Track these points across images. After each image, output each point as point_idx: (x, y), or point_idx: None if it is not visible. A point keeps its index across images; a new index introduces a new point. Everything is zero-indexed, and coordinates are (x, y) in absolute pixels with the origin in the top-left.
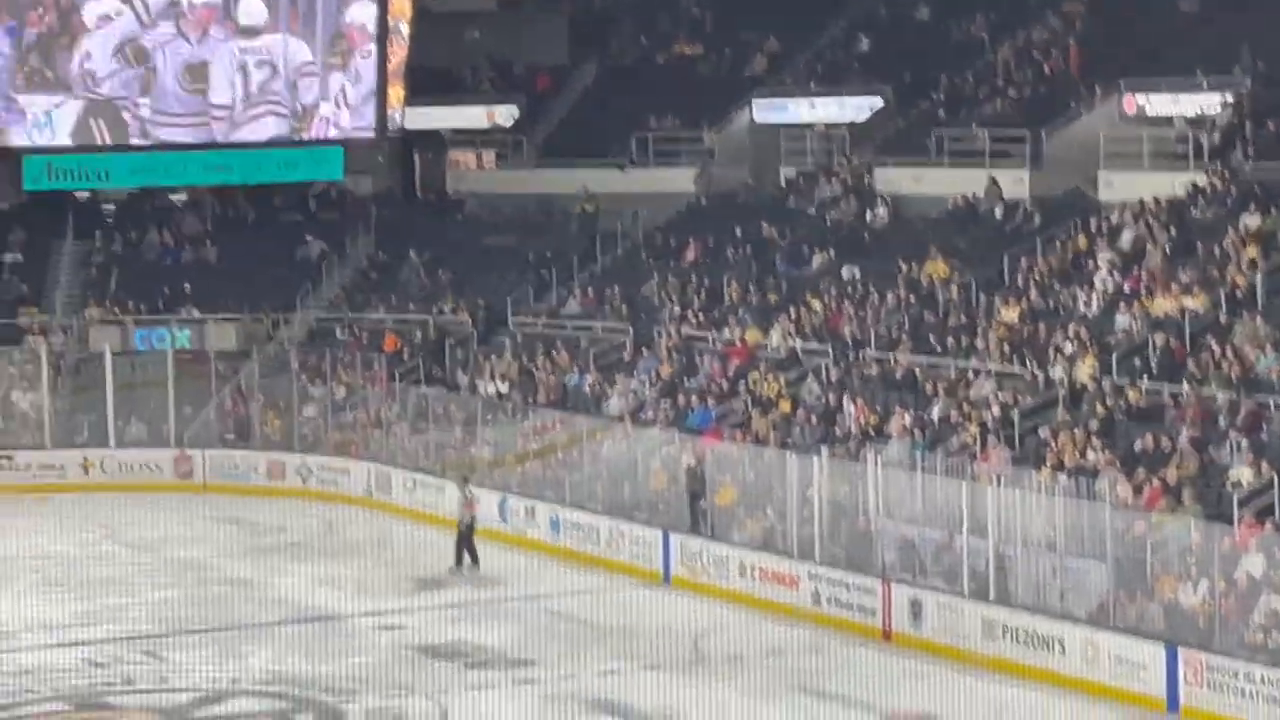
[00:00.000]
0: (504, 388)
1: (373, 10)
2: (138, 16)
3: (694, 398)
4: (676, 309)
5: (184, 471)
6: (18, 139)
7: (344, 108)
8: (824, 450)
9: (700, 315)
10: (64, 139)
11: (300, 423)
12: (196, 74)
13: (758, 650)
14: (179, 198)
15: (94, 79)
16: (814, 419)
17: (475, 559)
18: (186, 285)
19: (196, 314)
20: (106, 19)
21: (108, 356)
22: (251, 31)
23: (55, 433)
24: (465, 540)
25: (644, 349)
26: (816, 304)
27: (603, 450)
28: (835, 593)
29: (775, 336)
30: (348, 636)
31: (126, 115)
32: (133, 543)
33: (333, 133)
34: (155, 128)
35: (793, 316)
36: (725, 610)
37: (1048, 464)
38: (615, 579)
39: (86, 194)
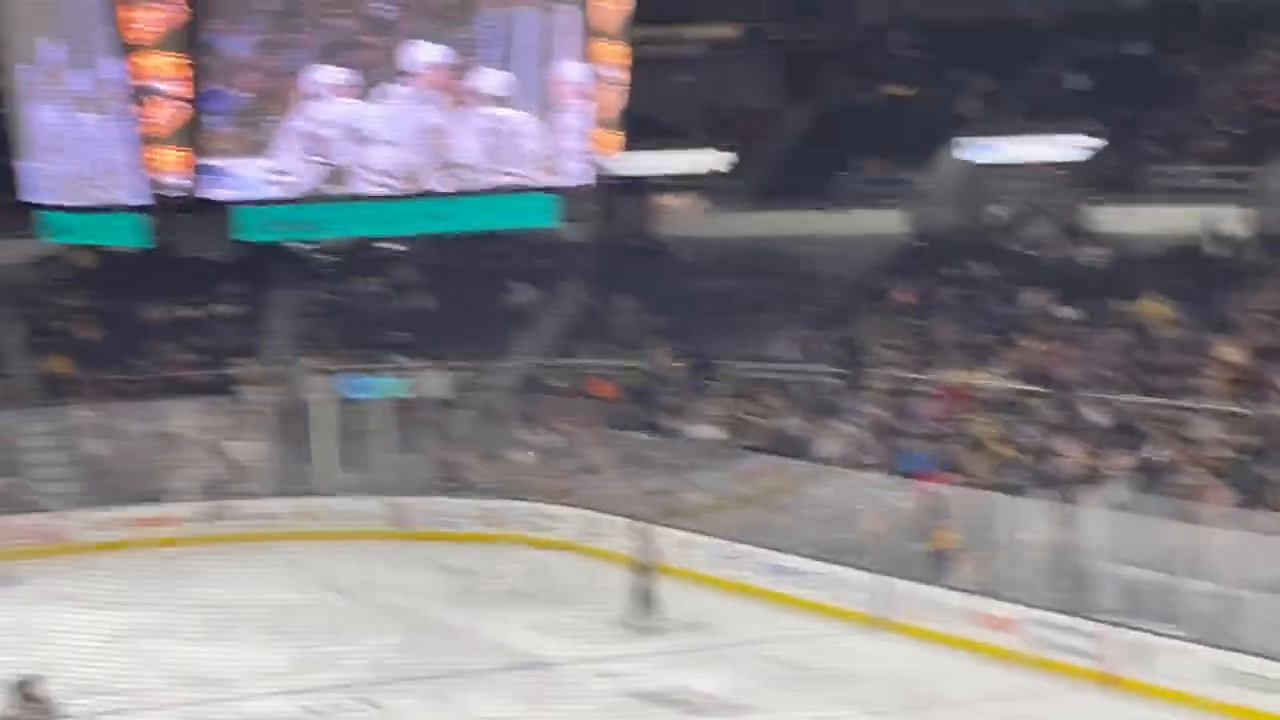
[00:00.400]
0: (715, 432)
1: (583, 60)
2: (358, 84)
3: (908, 440)
4: (889, 351)
5: (398, 519)
6: (226, 193)
7: (557, 156)
8: (1041, 493)
9: (912, 357)
10: (274, 192)
11: (512, 469)
12: (420, 134)
13: (977, 695)
14: (392, 246)
15: (306, 143)
16: (1030, 461)
17: (650, 606)
18: (399, 334)
19: (409, 362)
20: (322, 86)
21: (322, 406)
22: (476, 93)
23: (272, 482)
24: (645, 587)
25: (856, 392)
26: (1031, 345)
27: (816, 494)
28: (1055, 637)
29: (989, 378)
30: (564, 683)
31: (343, 170)
32: (349, 590)
33: (546, 181)
34: (369, 185)
35: (1007, 358)
36: (944, 655)
37: (1271, 505)
38: (831, 624)
39: (301, 245)
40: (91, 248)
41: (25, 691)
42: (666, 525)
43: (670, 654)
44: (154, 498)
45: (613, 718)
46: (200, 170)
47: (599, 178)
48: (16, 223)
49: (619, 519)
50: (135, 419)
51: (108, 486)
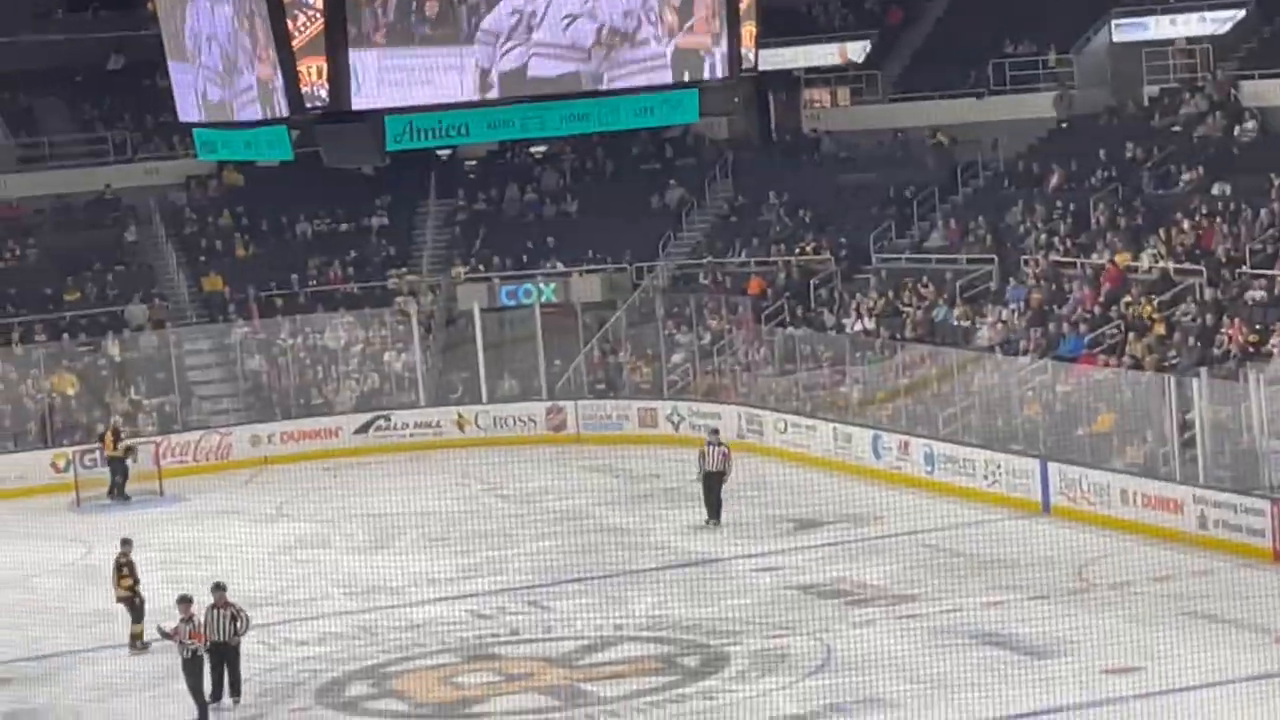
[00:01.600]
0: (870, 324)
1: None
2: None
3: (1065, 325)
4: (1043, 236)
5: (556, 423)
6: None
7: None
8: (1203, 371)
9: (1067, 241)
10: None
11: (669, 370)
12: (562, 24)
13: (1144, 577)
14: (538, 150)
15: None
16: (1191, 340)
17: (718, 514)
18: (549, 239)
19: (561, 267)
20: None
21: (476, 314)
22: None
23: (429, 391)
24: (714, 492)
25: (1011, 278)
26: (1187, 224)
27: (974, 382)
28: (1222, 515)
29: (1146, 259)
30: (728, 579)
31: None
32: (510, 496)
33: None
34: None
35: (1163, 238)
36: (1108, 538)
37: None
38: (993, 511)
39: (448, 153)
40: (240, 165)
41: (215, 596)
42: (824, 419)
43: (832, 546)
44: (313, 411)
45: (777, 611)
46: (345, 79)
47: (741, 72)
48: (167, 145)
49: (779, 415)
50: (291, 334)
51: (267, 401)
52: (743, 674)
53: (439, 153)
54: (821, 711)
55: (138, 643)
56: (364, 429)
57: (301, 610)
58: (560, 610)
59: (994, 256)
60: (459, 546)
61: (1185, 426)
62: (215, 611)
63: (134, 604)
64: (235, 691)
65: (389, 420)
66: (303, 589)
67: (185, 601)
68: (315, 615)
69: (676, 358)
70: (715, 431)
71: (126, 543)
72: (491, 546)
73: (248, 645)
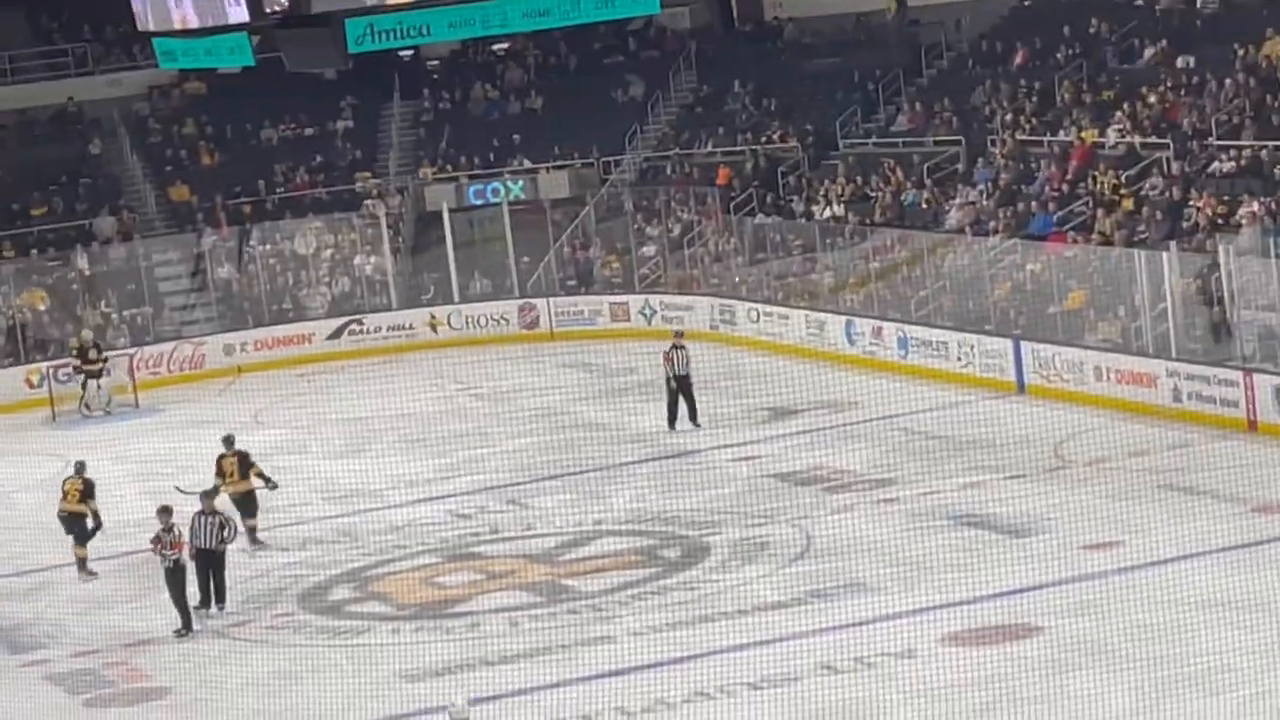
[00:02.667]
0: (839, 211)
1: None
2: None
3: (1033, 204)
4: (1009, 115)
5: (529, 321)
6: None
7: None
8: (1173, 245)
9: (1034, 119)
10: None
11: (639, 263)
12: None
13: (1120, 452)
14: (501, 48)
15: None
16: (1159, 214)
17: (693, 414)
18: (515, 136)
19: (528, 164)
20: None
21: (445, 214)
22: None
23: (401, 293)
24: (679, 395)
25: (978, 159)
26: (1152, 97)
27: (945, 264)
28: (1196, 388)
29: (1112, 134)
30: (706, 470)
31: None
32: (486, 395)
33: None
34: None
35: (1129, 112)
36: (1083, 415)
37: None
38: (968, 392)
39: (410, 54)
40: (202, 74)
41: (204, 503)
42: (796, 307)
43: (809, 433)
44: (285, 318)
45: (755, 500)
46: None
47: None
48: (128, 55)
49: (751, 304)
50: (260, 241)
51: (239, 310)
52: (723, 564)
53: (401, 53)
54: (803, 598)
55: (85, 566)
56: (337, 334)
57: (282, 516)
58: (540, 507)
59: (960, 138)
60: (436, 447)
61: (1157, 300)
62: (203, 519)
63: (83, 525)
64: (220, 599)
65: (362, 324)
66: (282, 495)
67: (165, 511)
68: (296, 521)
69: (647, 251)
70: (681, 334)
71: (80, 465)
72: (469, 446)
73: (229, 553)
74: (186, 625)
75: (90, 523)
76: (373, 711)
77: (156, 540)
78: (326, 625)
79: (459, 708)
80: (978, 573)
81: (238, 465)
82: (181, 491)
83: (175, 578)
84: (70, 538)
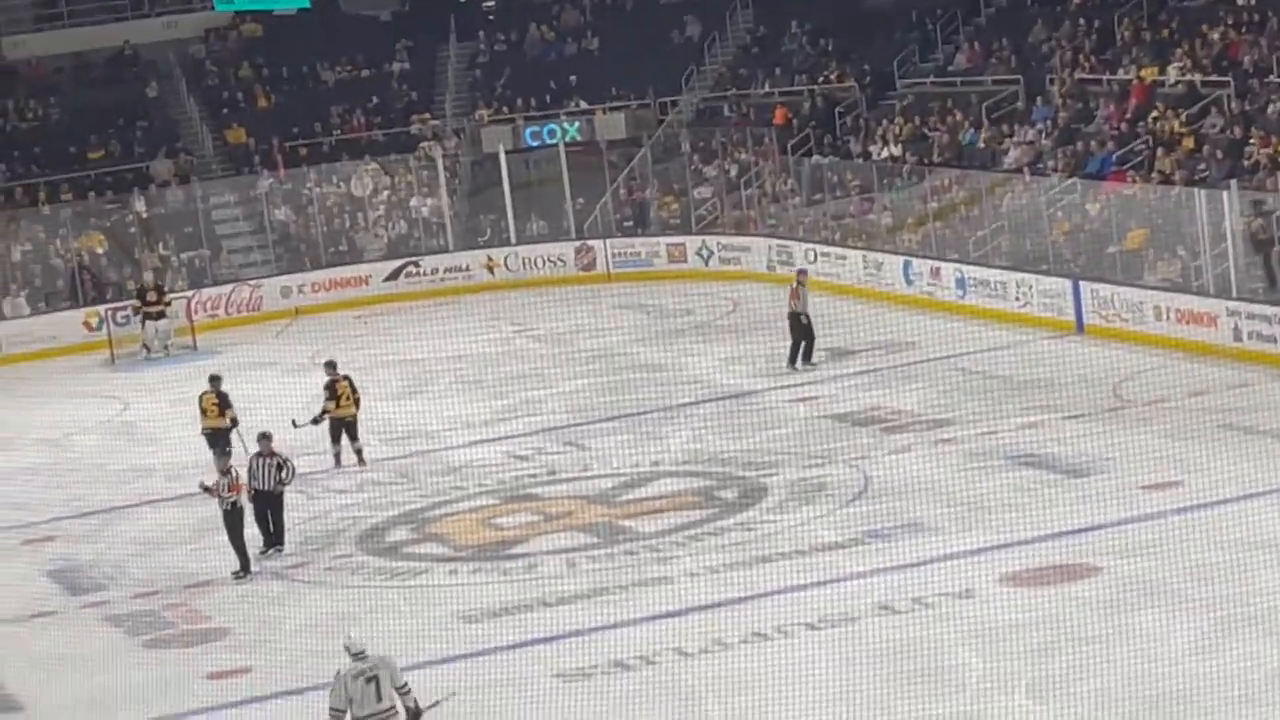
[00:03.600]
0: (897, 150)
1: None
2: None
3: (1092, 143)
4: (1068, 53)
5: (586, 263)
6: None
7: None
8: (1234, 184)
9: (1093, 57)
10: None
11: (696, 204)
12: None
13: (1180, 392)
14: None
15: None
16: (1220, 153)
17: (809, 355)
18: (572, 78)
19: (584, 105)
20: None
21: (502, 156)
22: None
23: (457, 235)
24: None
25: (1037, 98)
26: (1214, 35)
27: (1003, 204)
28: (1256, 327)
29: (1172, 73)
30: (763, 411)
31: None
32: (543, 336)
33: None
34: None
35: (1188, 50)
36: (1143, 355)
37: None
38: (1027, 332)
39: None
40: (259, 15)
41: (261, 445)
42: (854, 248)
43: (867, 374)
44: (342, 260)
45: (813, 441)
46: None
47: None
48: None
49: (808, 245)
50: (317, 183)
51: (296, 252)
52: (781, 505)
53: None
54: (861, 538)
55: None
56: (394, 276)
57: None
58: (597, 448)
59: (1019, 77)
60: (494, 389)
61: (1217, 240)
62: (261, 460)
63: (226, 438)
64: (279, 541)
65: (418, 266)
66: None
67: (224, 455)
68: (353, 463)
69: (703, 192)
70: (804, 271)
71: (215, 378)
72: (526, 388)
73: (287, 495)
74: (244, 568)
75: (234, 437)
76: (431, 652)
77: (212, 485)
78: (384, 566)
79: (354, 640)
80: (1036, 513)
81: (351, 387)
82: (296, 425)
83: (233, 520)
84: (211, 454)
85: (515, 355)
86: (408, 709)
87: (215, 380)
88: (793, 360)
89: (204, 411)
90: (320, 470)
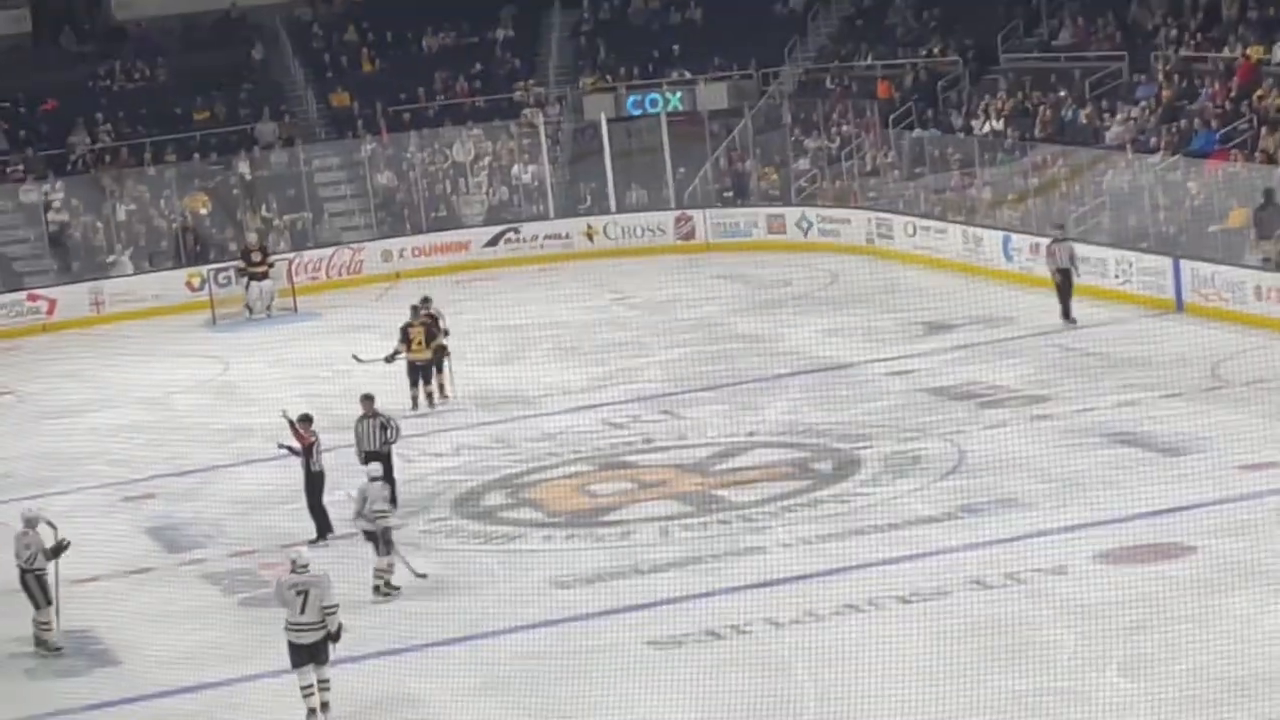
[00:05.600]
0: (999, 125)
1: None
2: None
3: (1196, 121)
4: (1173, 30)
5: (685, 232)
6: None
7: None
8: None
9: (1198, 35)
10: None
11: (796, 176)
12: None
13: (1279, 373)
14: None
15: None
16: None
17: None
18: (675, 47)
19: (687, 75)
20: None
21: (603, 124)
22: None
23: (558, 203)
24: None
25: (1141, 75)
26: None
27: (1105, 181)
28: None
29: (1278, 51)
30: (860, 384)
31: None
32: (641, 305)
33: None
34: None
35: None
36: (1242, 335)
37: None
38: (1125, 310)
39: None
40: None
41: (365, 406)
42: (954, 222)
43: (964, 349)
44: (443, 225)
45: (909, 414)
46: None
47: None
48: None
49: (908, 219)
50: (419, 148)
51: (397, 216)
52: (876, 478)
53: None
54: (955, 513)
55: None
56: (494, 242)
57: (436, 423)
58: (693, 418)
59: (1123, 53)
60: (591, 356)
61: None
62: (365, 422)
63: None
64: (391, 500)
65: (518, 232)
66: (430, 408)
67: (306, 421)
68: (450, 427)
69: (804, 163)
70: (1061, 227)
71: (425, 300)
72: (623, 356)
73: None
74: (321, 533)
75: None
76: (525, 617)
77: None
78: (480, 530)
79: (301, 555)
80: (1131, 491)
81: (424, 332)
82: (359, 361)
83: (313, 484)
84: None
85: (613, 323)
86: (328, 631)
87: (425, 302)
88: (1065, 315)
89: (412, 342)
90: (414, 434)
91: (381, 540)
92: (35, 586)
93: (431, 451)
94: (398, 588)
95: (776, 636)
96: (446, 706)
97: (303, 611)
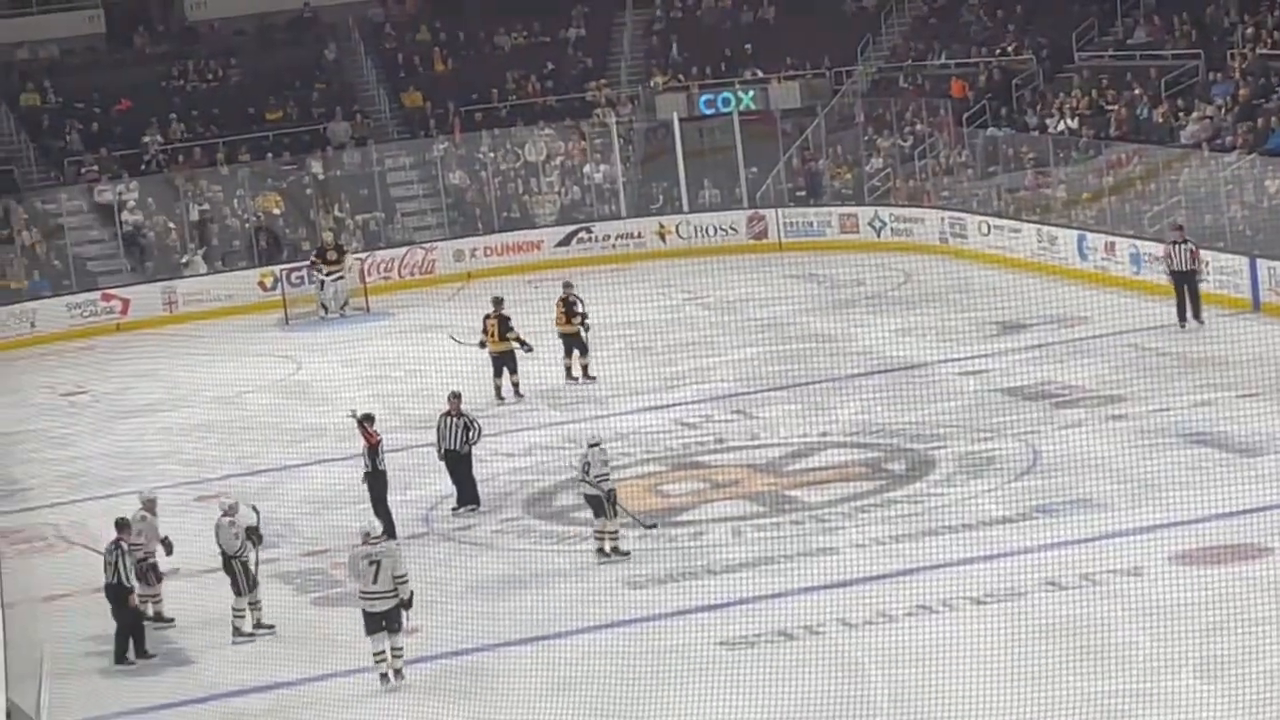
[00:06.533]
0: (1074, 124)
1: None
2: None
3: (1273, 119)
4: (1249, 29)
5: (758, 231)
6: None
7: None
8: None
9: (1275, 33)
10: None
11: (869, 175)
12: None
13: None
14: None
15: None
16: None
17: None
18: (747, 46)
19: (759, 74)
20: None
21: (675, 123)
22: None
23: (630, 202)
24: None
25: (1217, 73)
26: None
27: (1180, 180)
28: None
29: None
30: (933, 384)
31: None
32: (714, 304)
33: None
34: None
35: None
36: None
37: None
38: (1207, 310)
39: None
40: None
41: (451, 404)
42: (1028, 221)
43: (1038, 348)
44: (515, 225)
45: (983, 414)
46: None
47: None
48: None
49: (982, 218)
50: (492, 148)
51: (470, 216)
52: (949, 478)
53: None
54: (1029, 514)
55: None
56: (565, 241)
57: (508, 422)
58: (765, 417)
59: (1199, 51)
60: (663, 356)
61: None
62: (448, 420)
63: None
64: (473, 499)
65: (590, 232)
66: (507, 400)
67: (369, 420)
68: (522, 427)
69: (877, 163)
70: (1180, 228)
71: (497, 301)
72: (695, 355)
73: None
74: (389, 531)
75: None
76: (596, 617)
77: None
78: (552, 530)
79: (373, 527)
80: (1207, 492)
81: (498, 326)
82: (456, 341)
83: (376, 484)
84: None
85: (685, 323)
86: (401, 599)
87: (498, 302)
88: (1181, 318)
89: (488, 333)
90: (486, 433)
91: (607, 502)
92: (240, 572)
93: (503, 451)
94: (626, 553)
95: (849, 637)
96: (517, 707)
97: (375, 581)
